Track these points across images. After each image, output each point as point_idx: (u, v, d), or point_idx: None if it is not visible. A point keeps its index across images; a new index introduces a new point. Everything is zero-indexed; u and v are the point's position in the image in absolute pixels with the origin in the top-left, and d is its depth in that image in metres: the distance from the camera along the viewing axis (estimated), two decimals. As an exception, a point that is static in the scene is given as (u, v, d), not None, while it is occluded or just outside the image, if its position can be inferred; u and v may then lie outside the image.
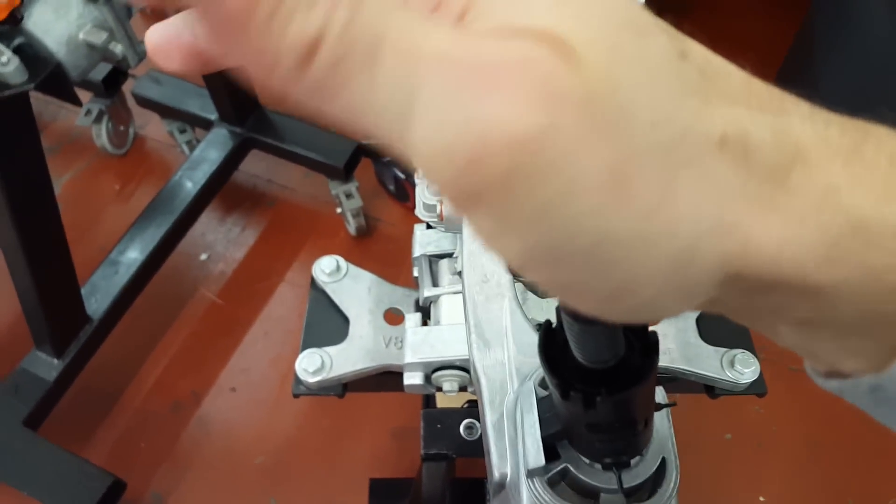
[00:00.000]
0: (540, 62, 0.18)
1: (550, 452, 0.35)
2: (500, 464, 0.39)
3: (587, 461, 0.35)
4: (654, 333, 0.28)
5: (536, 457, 0.35)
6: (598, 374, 0.28)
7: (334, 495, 1.42)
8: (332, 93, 0.19)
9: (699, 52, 0.22)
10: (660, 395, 0.37)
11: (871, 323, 0.22)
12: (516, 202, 0.19)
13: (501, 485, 0.39)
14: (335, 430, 1.50)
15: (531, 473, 0.35)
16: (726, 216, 0.20)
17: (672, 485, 0.35)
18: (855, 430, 1.49)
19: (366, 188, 1.78)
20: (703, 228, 0.20)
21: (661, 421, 0.36)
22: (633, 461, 0.35)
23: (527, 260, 0.21)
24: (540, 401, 0.36)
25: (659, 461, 0.35)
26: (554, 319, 0.29)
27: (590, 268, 0.20)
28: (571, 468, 0.35)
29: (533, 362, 0.42)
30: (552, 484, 0.36)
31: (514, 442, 0.38)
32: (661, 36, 0.21)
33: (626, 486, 0.34)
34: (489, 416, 0.41)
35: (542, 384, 0.37)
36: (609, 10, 0.20)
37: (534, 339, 0.44)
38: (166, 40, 0.23)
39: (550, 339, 0.29)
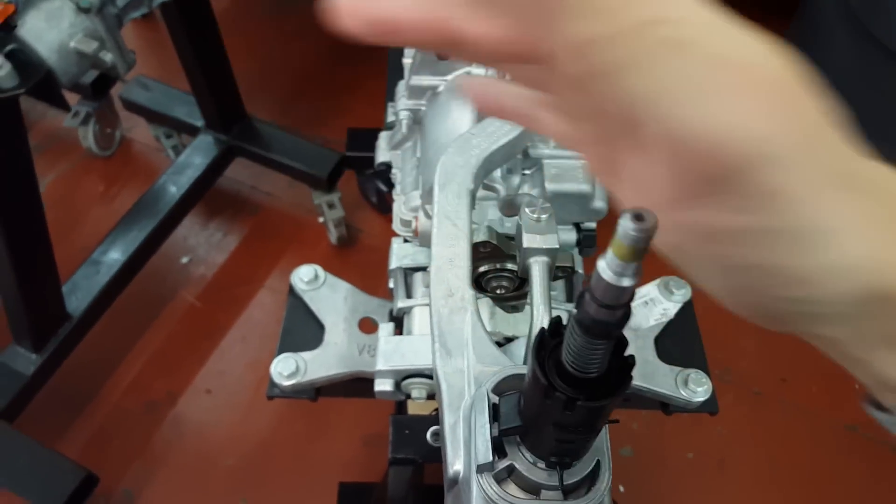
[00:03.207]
0: (784, 83, 0.28)
1: (498, 450, 0.39)
2: (453, 461, 0.43)
3: (530, 460, 0.38)
4: (632, 356, 0.32)
5: (485, 454, 0.39)
6: (580, 382, 0.32)
7: (305, 499, 1.44)
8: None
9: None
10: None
11: None
12: (736, 191, 0.26)
13: (454, 481, 0.43)
14: (308, 435, 1.52)
15: (480, 469, 0.39)
16: (874, 253, 0.27)
17: (605, 484, 0.39)
18: (812, 451, 1.54)
19: (348, 199, 1.80)
20: (856, 260, 0.27)
21: (600, 427, 0.40)
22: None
23: (735, 241, 0.28)
24: (502, 398, 0.40)
25: (594, 463, 0.39)
26: (545, 330, 0.34)
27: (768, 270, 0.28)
28: (517, 465, 0.39)
29: (488, 371, 0.46)
30: (499, 480, 0.40)
31: (468, 442, 0.42)
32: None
33: (565, 483, 0.38)
34: (447, 419, 0.45)
35: (496, 390, 0.41)
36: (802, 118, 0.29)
37: (491, 349, 0.48)
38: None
39: (542, 345, 0.34)
